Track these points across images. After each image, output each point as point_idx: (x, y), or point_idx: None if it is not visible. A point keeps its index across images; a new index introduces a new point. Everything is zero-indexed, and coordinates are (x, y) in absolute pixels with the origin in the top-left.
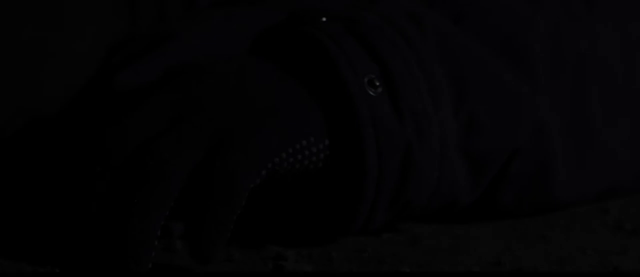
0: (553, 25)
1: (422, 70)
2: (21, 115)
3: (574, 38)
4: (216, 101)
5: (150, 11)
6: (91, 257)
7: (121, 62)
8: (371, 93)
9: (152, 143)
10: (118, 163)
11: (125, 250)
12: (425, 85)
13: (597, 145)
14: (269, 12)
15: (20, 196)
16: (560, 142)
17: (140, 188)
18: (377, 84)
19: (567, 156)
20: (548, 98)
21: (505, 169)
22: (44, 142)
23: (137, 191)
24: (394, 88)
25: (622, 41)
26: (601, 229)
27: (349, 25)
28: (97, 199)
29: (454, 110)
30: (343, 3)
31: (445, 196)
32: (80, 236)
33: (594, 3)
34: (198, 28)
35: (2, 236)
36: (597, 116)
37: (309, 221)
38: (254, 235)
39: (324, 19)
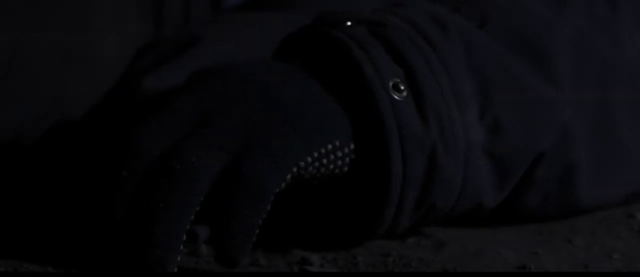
0: (577, 30)
1: (447, 74)
2: (46, 120)
3: (599, 42)
4: (241, 105)
5: (175, 15)
6: (117, 261)
7: (147, 67)
8: (396, 97)
9: (178, 147)
10: (144, 167)
11: (151, 254)
12: (450, 89)
13: (621, 149)
14: (294, 16)
15: (47, 200)
16: (585, 146)
17: (166, 192)
18: (402, 88)
19: (592, 159)
20: (573, 102)
21: (531, 173)
22: (70, 146)
23: (163, 195)
24: (419, 92)
25: None
26: (627, 234)
27: (374, 29)
28: (123, 203)
29: (479, 114)
30: (368, 7)
31: (470, 199)
32: (106, 240)
33: (619, 8)
34: (223, 32)
35: (30, 239)
36: (622, 120)
37: (334, 225)
38: (279, 239)
39: (348, 23)
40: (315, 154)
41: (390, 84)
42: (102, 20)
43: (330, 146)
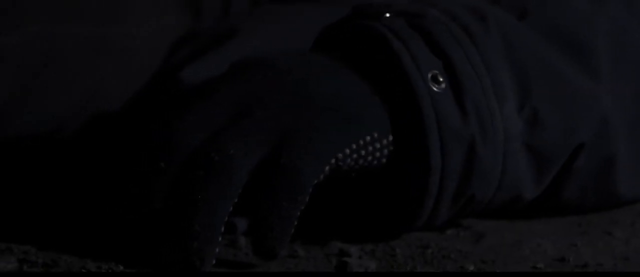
0: (615, 23)
1: (485, 66)
2: (83, 112)
3: (637, 36)
4: (279, 96)
5: (214, 7)
6: (155, 253)
7: (185, 58)
8: (435, 89)
9: (217, 138)
10: (182, 158)
11: (190, 246)
12: (488, 80)
13: None
14: (332, 8)
15: (85, 193)
16: (623, 138)
17: (204, 184)
18: (441, 79)
19: (630, 151)
20: (611, 94)
21: (569, 165)
22: (107, 139)
23: (201, 187)
24: (457, 84)
25: None
26: None
27: (413, 21)
28: (161, 195)
29: (518, 107)
30: None
31: (509, 191)
32: (144, 232)
33: None
34: (262, 24)
35: (67, 232)
36: None
37: (373, 217)
38: (317, 231)
39: (387, 14)
40: (354, 146)
41: (429, 75)
42: (139, 11)
43: (368, 138)
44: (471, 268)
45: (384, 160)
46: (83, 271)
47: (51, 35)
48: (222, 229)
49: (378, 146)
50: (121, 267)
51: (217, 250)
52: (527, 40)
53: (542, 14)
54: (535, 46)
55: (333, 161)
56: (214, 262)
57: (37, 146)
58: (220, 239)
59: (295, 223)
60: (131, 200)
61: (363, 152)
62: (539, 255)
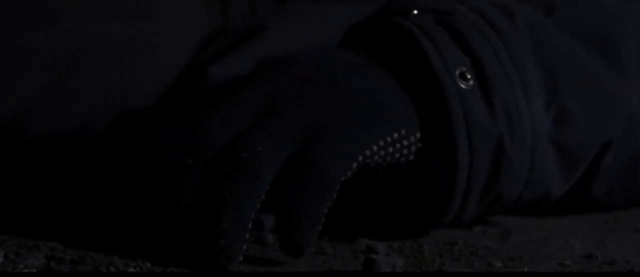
0: None
1: (513, 63)
2: (113, 109)
3: None
4: (306, 94)
5: (241, 4)
6: (182, 251)
7: (213, 56)
8: (463, 86)
9: (244, 135)
10: (210, 156)
11: (217, 243)
12: (516, 78)
13: None
14: (360, 5)
15: (113, 190)
16: None
17: (231, 181)
18: (469, 76)
19: None
20: (639, 91)
21: (598, 162)
22: (136, 136)
23: (228, 184)
24: (485, 81)
25: None
26: None
27: (441, 18)
28: (188, 192)
29: (546, 104)
30: None
31: (537, 188)
32: (171, 229)
33: None
34: (289, 21)
35: (94, 229)
36: None
37: (400, 214)
38: (345, 228)
39: (415, 11)
40: (381, 143)
41: (457, 72)
42: (167, 9)
43: (396, 135)
44: (498, 265)
45: (411, 157)
46: (110, 268)
47: (80, 33)
48: (250, 226)
49: (405, 143)
50: (148, 265)
51: (244, 247)
52: (555, 36)
53: (570, 11)
54: (563, 43)
55: (360, 158)
56: (241, 259)
57: (66, 143)
58: (247, 236)
59: (323, 220)
60: (158, 197)
61: (390, 149)
62: (567, 252)
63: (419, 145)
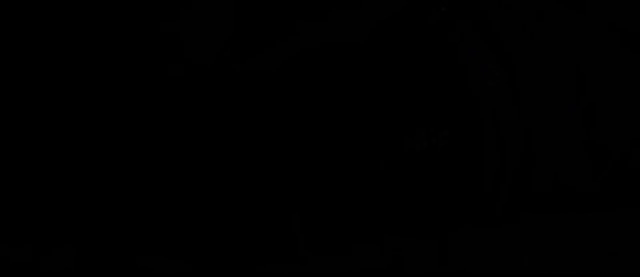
0: None
1: (543, 59)
2: (150, 108)
3: None
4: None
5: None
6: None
7: (243, 52)
8: (491, 82)
9: None
10: None
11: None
12: (546, 74)
13: None
14: (389, 1)
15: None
16: None
17: None
18: (498, 73)
19: None
20: None
21: (626, 160)
22: (170, 131)
23: None
24: (514, 77)
25: None
26: None
27: (469, 12)
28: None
29: (576, 101)
30: None
31: (566, 186)
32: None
33: None
34: (319, 17)
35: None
36: None
37: (428, 212)
38: (373, 226)
39: (443, 8)
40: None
41: (486, 68)
42: (196, 7)
43: (423, 131)
44: (528, 262)
45: (440, 153)
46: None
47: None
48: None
49: (433, 140)
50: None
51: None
52: (585, 33)
53: (599, 7)
54: (593, 39)
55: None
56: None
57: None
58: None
59: (349, 218)
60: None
61: (417, 146)
62: (598, 248)
63: (447, 142)
